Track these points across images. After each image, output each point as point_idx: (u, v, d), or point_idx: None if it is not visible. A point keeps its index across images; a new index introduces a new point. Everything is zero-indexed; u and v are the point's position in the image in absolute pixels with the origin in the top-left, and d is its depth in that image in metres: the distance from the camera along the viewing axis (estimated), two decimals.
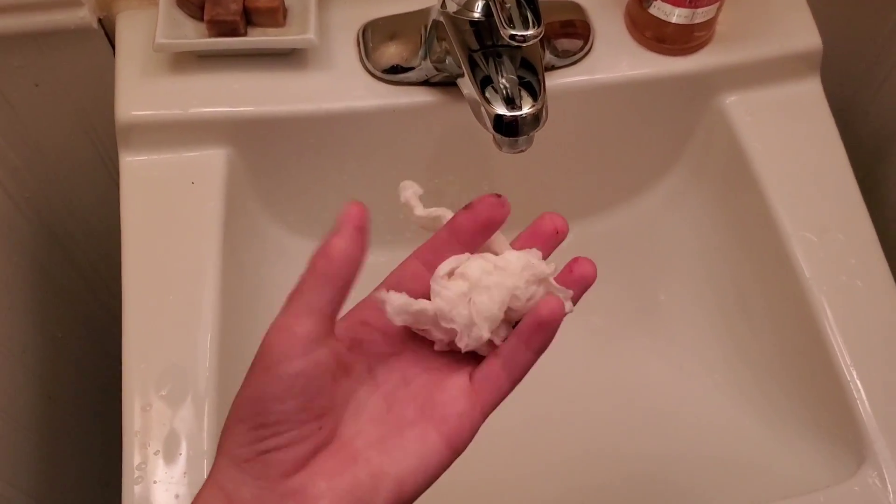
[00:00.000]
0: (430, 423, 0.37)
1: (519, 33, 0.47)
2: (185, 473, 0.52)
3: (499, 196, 0.38)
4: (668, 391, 0.67)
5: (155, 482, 0.51)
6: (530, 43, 0.48)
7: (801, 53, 0.65)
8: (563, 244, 0.75)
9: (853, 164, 0.64)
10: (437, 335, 0.38)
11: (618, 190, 0.72)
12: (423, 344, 0.39)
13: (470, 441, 0.37)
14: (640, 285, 0.72)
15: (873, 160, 0.80)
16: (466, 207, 0.38)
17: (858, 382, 0.55)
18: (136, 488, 0.51)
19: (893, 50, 0.75)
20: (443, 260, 0.37)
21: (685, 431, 0.64)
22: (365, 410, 0.37)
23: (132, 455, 0.52)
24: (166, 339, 0.55)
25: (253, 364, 0.35)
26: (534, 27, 0.47)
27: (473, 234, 0.38)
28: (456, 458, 0.37)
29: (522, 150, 0.53)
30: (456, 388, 0.38)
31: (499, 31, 0.49)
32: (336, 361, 0.35)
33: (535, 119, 0.51)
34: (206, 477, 0.50)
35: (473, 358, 0.39)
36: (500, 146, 0.53)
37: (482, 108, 0.52)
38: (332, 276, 0.34)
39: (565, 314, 0.37)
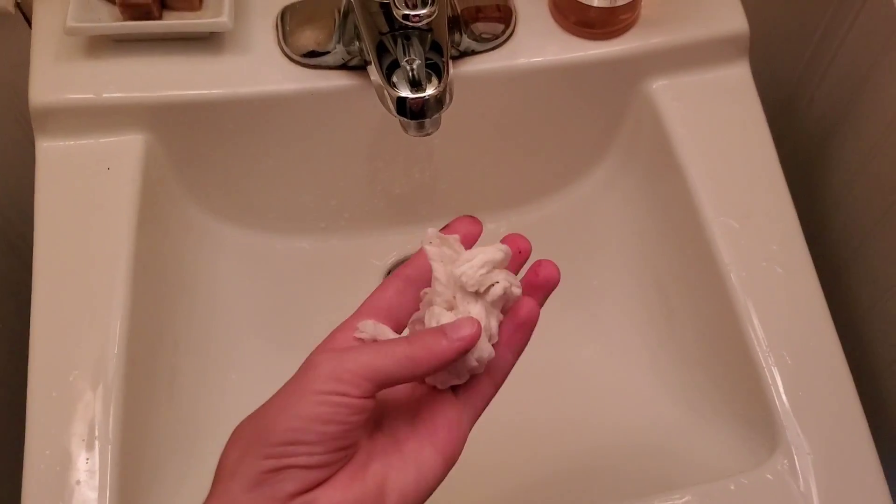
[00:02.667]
0: (424, 438, 0.38)
1: (412, 13, 0.46)
2: (87, 459, 0.51)
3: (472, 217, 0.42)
4: (595, 378, 0.66)
5: (58, 468, 0.51)
6: (425, 22, 0.47)
7: (727, 37, 0.64)
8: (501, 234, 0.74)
9: (798, 151, 0.63)
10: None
11: (552, 177, 0.72)
12: None
13: (461, 450, 0.39)
14: (574, 272, 0.71)
15: (818, 147, 0.79)
16: (444, 229, 0.41)
17: (774, 370, 0.55)
18: (39, 473, 0.50)
19: (836, 35, 0.74)
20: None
21: (608, 418, 0.63)
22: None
23: (35, 440, 0.51)
24: (75, 325, 0.55)
25: (297, 382, 0.35)
26: (427, 6, 0.46)
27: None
28: (450, 467, 0.38)
29: (429, 133, 0.52)
30: (443, 400, 0.39)
31: None
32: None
33: (438, 101, 0.51)
34: (110, 463, 0.51)
35: None
36: (406, 129, 0.53)
37: (385, 92, 0.51)
38: (418, 368, 0.36)
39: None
